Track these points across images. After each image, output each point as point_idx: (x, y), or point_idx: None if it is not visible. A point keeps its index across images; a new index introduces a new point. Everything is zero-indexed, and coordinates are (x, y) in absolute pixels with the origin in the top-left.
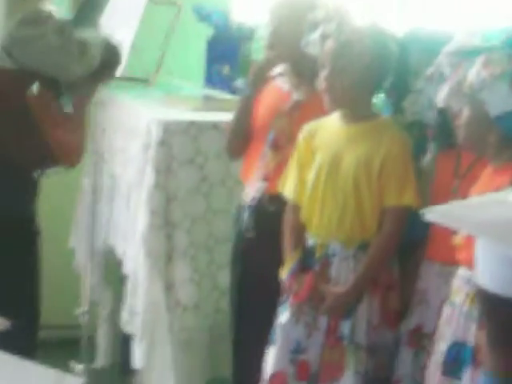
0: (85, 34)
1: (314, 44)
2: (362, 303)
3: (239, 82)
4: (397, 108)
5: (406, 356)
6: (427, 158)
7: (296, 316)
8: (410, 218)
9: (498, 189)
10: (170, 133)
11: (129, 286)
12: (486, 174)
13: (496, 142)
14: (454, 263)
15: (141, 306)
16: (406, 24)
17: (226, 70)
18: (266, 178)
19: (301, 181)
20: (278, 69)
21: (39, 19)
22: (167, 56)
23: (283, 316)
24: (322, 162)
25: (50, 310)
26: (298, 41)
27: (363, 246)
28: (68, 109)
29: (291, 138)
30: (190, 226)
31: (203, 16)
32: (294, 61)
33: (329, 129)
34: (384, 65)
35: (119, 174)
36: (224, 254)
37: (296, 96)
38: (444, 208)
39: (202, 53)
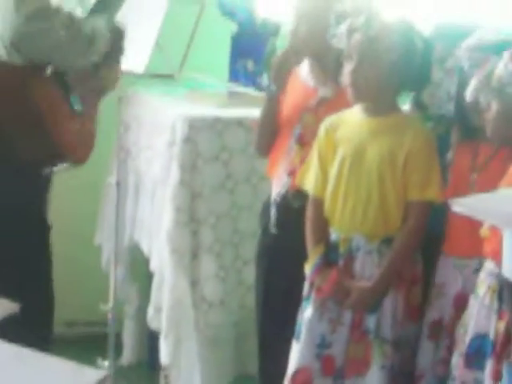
0: (91, 23)
1: (340, 37)
2: (387, 298)
3: (264, 78)
4: (419, 103)
5: (427, 349)
6: (450, 153)
7: (320, 311)
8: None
9: None
10: (195, 129)
11: (154, 282)
12: None
13: None
14: (470, 256)
15: (166, 303)
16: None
17: (250, 65)
18: (291, 174)
19: (322, 174)
20: (304, 64)
21: (47, 13)
22: (191, 52)
23: (307, 311)
24: (344, 156)
25: (77, 306)
26: (324, 34)
27: (387, 240)
28: (77, 105)
29: (317, 135)
30: (215, 223)
31: (227, 11)
32: (319, 55)
33: (351, 122)
34: (410, 61)
35: (144, 170)
36: (249, 250)
37: (322, 92)
38: (470, 200)
39: (226, 48)
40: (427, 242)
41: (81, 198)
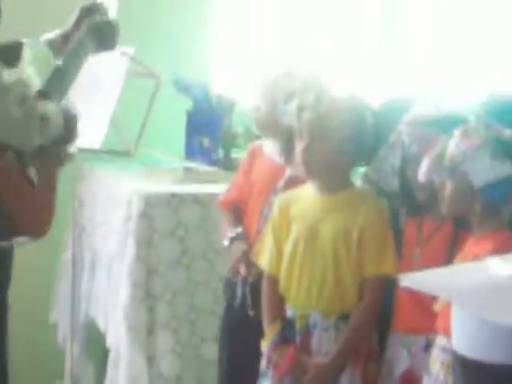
0: (46, 105)
1: (290, 115)
2: (344, 374)
3: (219, 154)
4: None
5: None
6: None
7: None
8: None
9: (476, 257)
10: (151, 205)
11: (110, 359)
12: (469, 243)
13: (480, 212)
14: (417, 333)
15: (123, 379)
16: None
17: (206, 142)
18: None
19: (277, 252)
20: (268, 140)
21: (0, 90)
22: (147, 128)
23: None
24: (298, 233)
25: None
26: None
27: (343, 316)
28: (34, 179)
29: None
30: (171, 299)
31: (183, 88)
32: (282, 135)
33: (304, 199)
34: (361, 137)
35: (100, 246)
36: (205, 325)
37: (289, 171)
38: (419, 275)
39: (182, 125)
40: (381, 317)
41: (35, 275)
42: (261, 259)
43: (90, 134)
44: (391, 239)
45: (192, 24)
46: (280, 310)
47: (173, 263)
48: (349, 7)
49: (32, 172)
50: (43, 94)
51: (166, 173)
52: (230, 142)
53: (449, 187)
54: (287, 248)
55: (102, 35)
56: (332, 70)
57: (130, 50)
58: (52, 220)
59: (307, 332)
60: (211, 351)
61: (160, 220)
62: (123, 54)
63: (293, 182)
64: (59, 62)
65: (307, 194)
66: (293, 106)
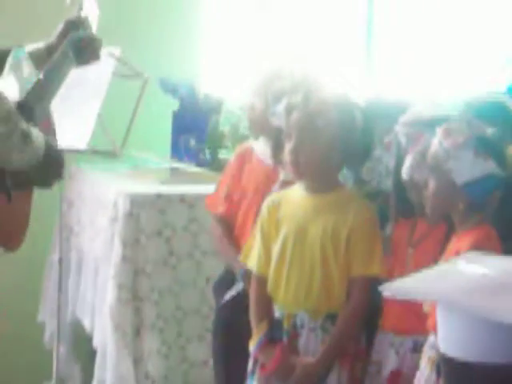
0: (31, 127)
1: (279, 115)
2: (331, 374)
3: (206, 154)
4: (360, 179)
5: None
6: (389, 226)
7: None
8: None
9: (457, 254)
10: (137, 205)
11: (97, 359)
12: (452, 241)
13: (463, 209)
14: (406, 334)
15: (109, 380)
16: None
17: (192, 142)
18: None
19: (265, 252)
20: (260, 142)
21: None
22: (134, 128)
23: None
24: (287, 234)
25: None
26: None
27: (331, 316)
28: (11, 193)
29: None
30: (157, 299)
31: (169, 88)
32: (274, 137)
33: (293, 200)
34: (351, 137)
35: (87, 247)
36: (192, 326)
37: (284, 176)
38: (398, 283)
39: (168, 125)
40: (369, 317)
41: (23, 275)
42: (249, 259)
43: (76, 135)
44: (379, 240)
45: (179, 24)
46: (268, 310)
47: (159, 264)
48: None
49: (9, 184)
50: (23, 106)
51: (152, 173)
52: (216, 142)
53: (432, 185)
54: (276, 248)
55: (85, 50)
56: (319, 69)
57: (117, 51)
58: (26, 233)
59: (294, 332)
60: (197, 352)
61: (146, 220)
62: (110, 54)
63: (288, 187)
64: (41, 75)
65: (296, 195)
66: (281, 106)
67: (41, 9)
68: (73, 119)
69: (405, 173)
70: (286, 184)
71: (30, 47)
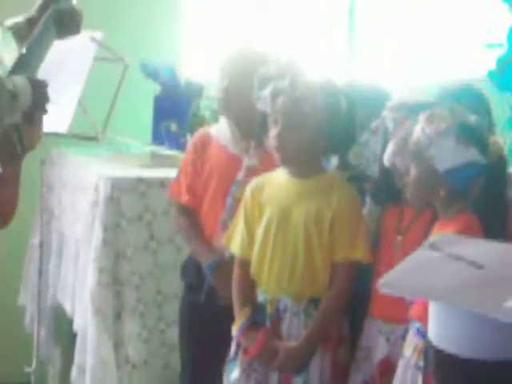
0: (12, 80)
1: (264, 100)
2: (314, 358)
3: (188, 139)
4: (344, 163)
5: None
6: (365, 211)
7: (247, 372)
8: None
9: None
10: (118, 189)
11: (78, 342)
12: (435, 228)
13: (444, 196)
14: (396, 322)
15: (90, 363)
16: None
17: (173, 126)
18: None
19: (248, 236)
20: (222, 129)
21: None
22: (115, 112)
23: (234, 373)
24: (270, 217)
25: (1, 367)
26: (251, 98)
27: (314, 301)
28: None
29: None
30: (138, 283)
31: (150, 72)
32: (244, 121)
33: (277, 183)
34: (336, 122)
35: (68, 230)
36: (172, 310)
37: (248, 162)
38: (395, 279)
39: (149, 109)
40: (354, 301)
41: (4, 257)
42: (232, 243)
43: (56, 119)
44: (363, 225)
45: (160, 8)
46: (251, 294)
47: (140, 248)
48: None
49: None
50: (12, 74)
51: (133, 158)
52: (197, 127)
53: (413, 172)
54: (259, 231)
55: (66, 21)
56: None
57: (98, 35)
58: (14, 211)
59: (277, 317)
60: (177, 336)
61: (127, 205)
62: (91, 38)
63: (252, 173)
64: (23, 49)
65: (279, 178)
66: (267, 91)
67: None
68: (54, 103)
69: (386, 159)
70: (251, 170)
71: (10, 22)
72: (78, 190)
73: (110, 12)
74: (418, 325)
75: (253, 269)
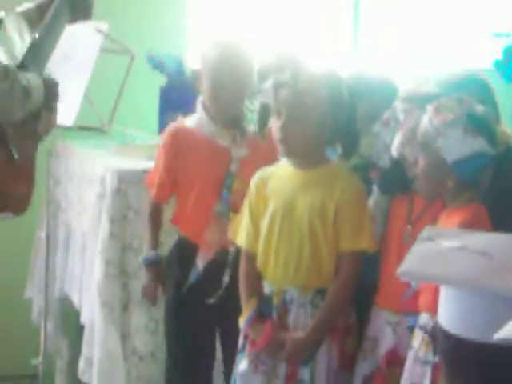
0: (25, 75)
1: (266, 92)
2: (321, 349)
3: None
4: (346, 152)
5: None
6: (371, 200)
7: (254, 364)
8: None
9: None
10: (125, 182)
11: (85, 335)
12: (441, 217)
13: (453, 187)
14: (403, 312)
15: (97, 356)
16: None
17: (179, 118)
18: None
19: (254, 229)
20: (203, 124)
21: None
22: (121, 104)
23: (241, 365)
24: (275, 209)
25: (7, 360)
26: (242, 99)
27: (320, 292)
28: (15, 156)
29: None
30: None
31: (157, 64)
32: (229, 113)
33: (281, 175)
34: (339, 113)
35: (74, 223)
36: None
37: (237, 153)
38: (414, 267)
39: (155, 101)
40: (361, 291)
41: (11, 251)
42: (238, 236)
43: (63, 111)
44: (368, 214)
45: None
46: (257, 286)
47: None
48: None
49: (12, 147)
50: (22, 67)
51: (139, 149)
52: None
53: (421, 163)
54: (264, 224)
55: (78, 5)
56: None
57: (105, 26)
58: (31, 196)
59: (284, 308)
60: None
61: (134, 197)
62: (97, 30)
63: (245, 164)
64: (36, 35)
65: (283, 170)
66: (269, 83)
67: None
68: (60, 95)
69: (395, 150)
70: (243, 161)
71: (21, 8)
72: (85, 182)
73: (117, 3)
74: (427, 316)
75: (259, 261)
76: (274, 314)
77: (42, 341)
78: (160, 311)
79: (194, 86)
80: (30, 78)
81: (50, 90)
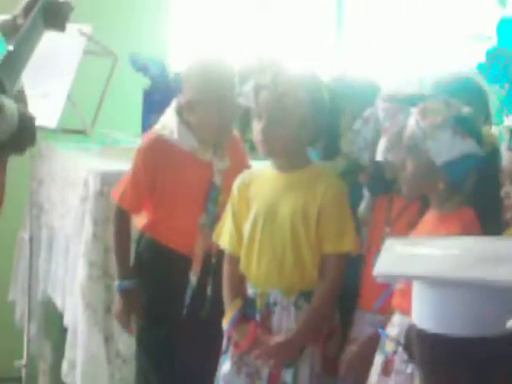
0: (2, 98)
1: (247, 95)
2: (304, 352)
3: None
4: (328, 154)
5: None
6: (363, 203)
7: (237, 366)
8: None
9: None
10: (108, 184)
11: (68, 337)
12: (430, 221)
13: (442, 189)
14: (385, 312)
15: (80, 358)
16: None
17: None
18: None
19: (237, 232)
20: (182, 137)
21: None
22: (104, 107)
23: (224, 366)
24: (258, 212)
25: None
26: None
27: (304, 294)
28: None
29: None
30: None
31: (140, 67)
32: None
33: (263, 178)
34: (319, 114)
35: (57, 225)
36: None
37: (219, 166)
38: (386, 268)
39: (139, 103)
40: (343, 293)
41: None
42: (221, 239)
43: (46, 113)
44: (350, 216)
45: (150, 2)
46: (240, 288)
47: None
48: None
49: None
50: None
51: (122, 152)
52: None
53: (410, 166)
54: (246, 227)
55: (55, 14)
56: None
57: (88, 28)
58: (1, 203)
59: (268, 310)
60: None
61: None
62: (81, 32)
63: (228, 176)
64: (11, 46)
65: (266, 173)
66: (249, 86)
67: None
68: (43, 97)
69: (379, 155)
70: (226, 172)
71: None
72: (68, 184)
73: (100, 6)
74: (397, 318)
75: (242, 264)
76: (258, 317)
77: (26, 343)
78: None
79: (176, 88)
80: (5, 102)
81: (25, 126)
